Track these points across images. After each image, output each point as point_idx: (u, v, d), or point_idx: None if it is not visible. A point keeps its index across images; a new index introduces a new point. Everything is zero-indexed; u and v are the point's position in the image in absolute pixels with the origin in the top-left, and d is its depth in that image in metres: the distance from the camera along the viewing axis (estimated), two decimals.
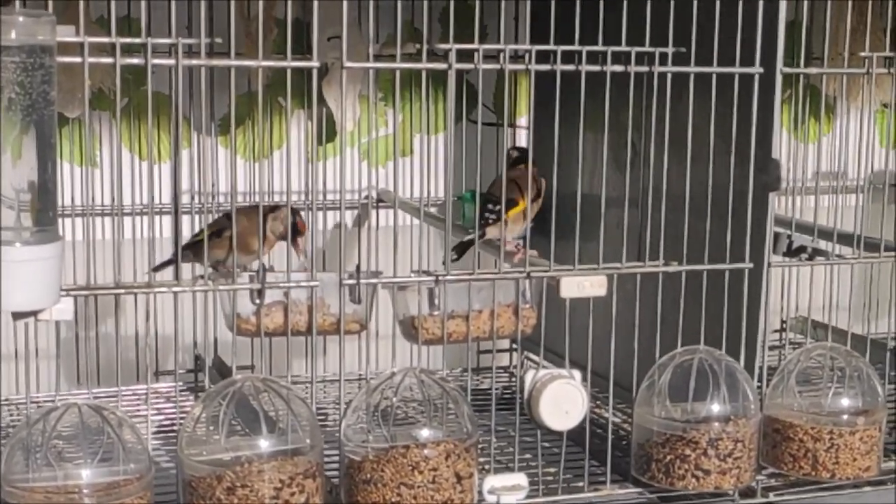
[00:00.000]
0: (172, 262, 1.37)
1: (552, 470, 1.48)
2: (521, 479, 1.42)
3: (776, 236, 1.51)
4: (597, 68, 1.39)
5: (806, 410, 1.49)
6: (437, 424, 1.34)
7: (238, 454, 1.27)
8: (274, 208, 1.58)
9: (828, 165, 2.12)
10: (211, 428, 1.28)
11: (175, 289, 1.31)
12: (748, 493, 1.48)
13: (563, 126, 1.41)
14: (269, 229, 1.55)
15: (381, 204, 1.97)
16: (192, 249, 1.50)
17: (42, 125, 1.16)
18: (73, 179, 1.78)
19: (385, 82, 1.98)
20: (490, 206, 1.56)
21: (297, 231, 1.56)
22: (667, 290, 1.47)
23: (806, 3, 1.52)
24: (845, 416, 1.49)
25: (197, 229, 1.74)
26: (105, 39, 1.25)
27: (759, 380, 1.49)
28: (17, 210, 1.16)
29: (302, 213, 1.61)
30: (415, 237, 1.69)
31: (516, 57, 1.43)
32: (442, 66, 1.35)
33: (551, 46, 1.38)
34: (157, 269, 1.34)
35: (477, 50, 1.35)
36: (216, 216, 1.75)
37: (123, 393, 1.65)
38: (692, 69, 1.42)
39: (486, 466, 1.43)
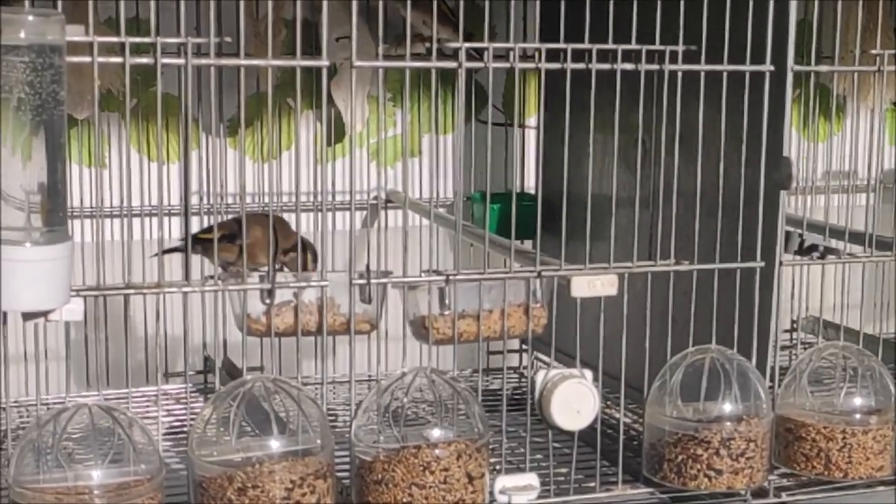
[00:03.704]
0: (181, 249, 1.36)
1: (563, 470, 1.47)
2: (532, 479, 1.41)
3: (787, 235, 1.50)
4: (607, 66, 1.39)
5: (818, 410, 1.49)
6: (448, 425, 1.33)
7: (249, 455, 1.27)
8: (287, 251, 1.56)
9: (838, 164, 2.12)
10: (221, 429, 1.28)
11: (185, 289, 1.31)
12: (760, 493, 1.47)
13: (572, 125, 1.41)
14: (284, 263, 1.55)
15: (390, 204, 1.97)
16: (202, 245, 1.50)
17: (52, 125, 1.16)
18: (83, 181, 1.78)
19: (394, 83, 1.97)
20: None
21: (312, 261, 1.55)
22: (678, 289, 1.46)
23: (816, 1, 1.51)
24: (858, 416, 1.48)
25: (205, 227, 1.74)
26: (114, 39, 1.25)
27: (771, 379, 1.49)
28: (27, 211, 1.16)
29: (313, 254, 1.59)
30: (425, 237, 1.68)
31: (526, 56, 1.42)
32: (452, 64, 1.35)
33: (561, 45, 1.37)
34: (166, 251, 1.34)
35: (487, 49, 1.35)
36: (225, 217, 1.75)
37: (133, 394, 1.65)
38: (703, 67, 1.42)
39: (498, 467, 1.43)
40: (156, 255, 1.31)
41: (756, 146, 1.44)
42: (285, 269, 1.56)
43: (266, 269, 1.40)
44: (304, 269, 1.54)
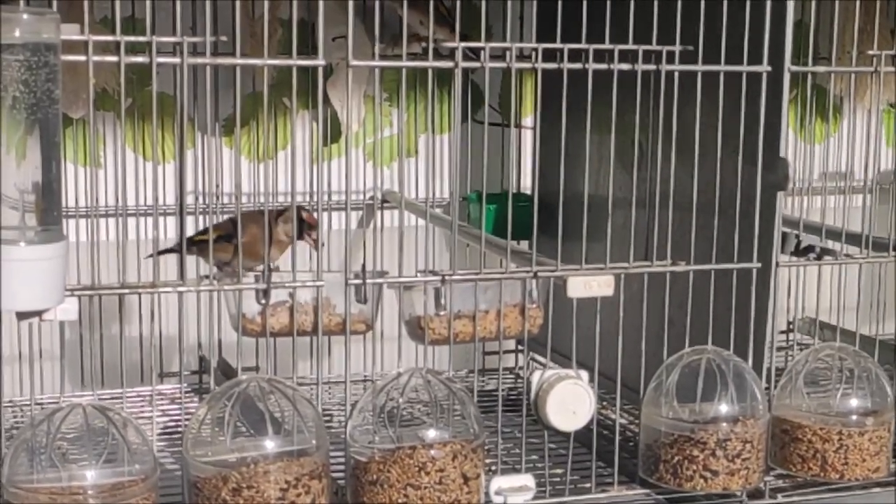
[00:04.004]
0: (176, 250, 1.36)
1: (559, 471, 1.47)
2: (528, 480, 1.41)
3: (784, 236, 1.50)
4: (604, 67, 1.38)
5: (814, 411, 1.49)
6: (443, 425, 1.33)
7: (244, 455, 1.26)
8: (281, 213, 1.58)
9: (835, 165, 2.12)
10: (216, 429, 1.28)
11: (180, 289, 1.30)
12: (756, 494, 1.47)
13: (569, 125, 1.40)
14: (283, 232, 1.55)
15: (386, 204, 1.97)
16: (198, 247, 1.49)
17: (46, 124, 1.15)
18: (77, 180, 1.78)
19: (390, 82, 1.97)
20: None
21: (307, 226, 1.55)
22: (674, 290, 1.46)
23: (813, 1, 1.51)
24: (854, 417, 1.48)
25: (201, 230, 1.73)
26: (110, 38, 1.24)
27: (768, 380, 1.49)
28: (21, 210, 1.16)
29: (307, 210, 1.60)
30: (420, 237, 1.68)
31: (522, 56, 1.42)
32: (448, 64, 1.35)
33: (558, 45, 1.37)
34: (161, 252, 1.33)
35: (483, 48, 1.35)
36: (220, 217, 1.75)
37: (128, 394, 1.65)
38: (700, 67, 1.42)
39: (493, 467, 1.42)
40: (150, 256, 1.31)
41: (753, 147, 1.44)
42: (284, 237, 1.55)
43: (261, 267, 1.39)
44: (302, 220, 1.53)
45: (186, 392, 1.74)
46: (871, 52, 1.51)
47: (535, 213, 1.43)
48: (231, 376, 1.39)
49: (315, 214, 1.59)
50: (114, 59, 1.24)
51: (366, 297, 1.38)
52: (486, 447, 1.36)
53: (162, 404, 1.72)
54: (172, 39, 1.25)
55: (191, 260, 1.43)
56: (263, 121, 1.88)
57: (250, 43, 1.82)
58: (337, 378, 1.82)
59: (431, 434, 1.32)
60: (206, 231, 1.55)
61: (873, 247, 1.55)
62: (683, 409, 1.43)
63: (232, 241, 1.50)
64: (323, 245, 1.55)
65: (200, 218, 1.70)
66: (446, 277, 1.39)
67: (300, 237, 1.52)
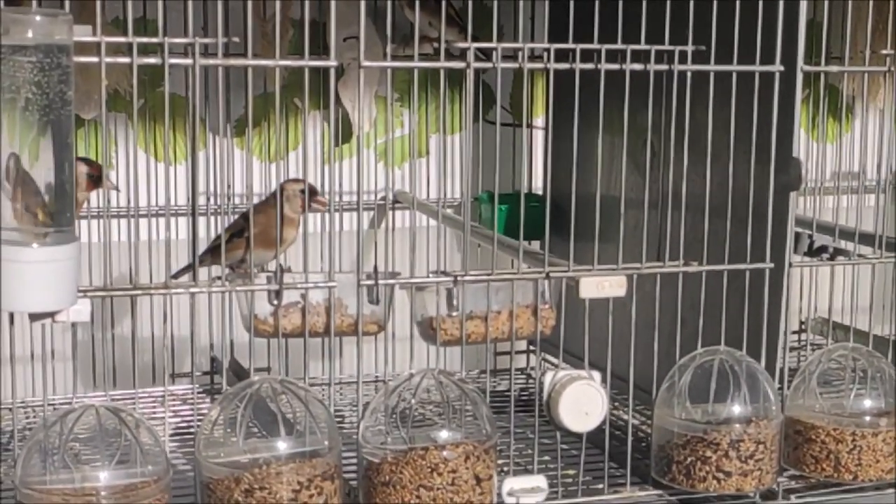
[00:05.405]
0: (190, 267, 1.36)
1: (571, 472, 1.47)
2: (540, 481, 1.41)
3: (797, 236, 1.50)
4: (616, 67, 1.38)
5: (828, 412, 1.48)
6: (455, 426, 1.33)
7: (256, 456, 1.26)
8: (281, 193, 1.57)
9: (848, 165, 2.12)
10: (228, 430, 1.28)
11: (192, 289, 1.30)
12: (769, 495, 1.47)
13: (581, 126, 1.40)
14: (290, 210, 1.54)
15: (398, 205, 1.97)
16: (212, 254, 1.49)
17: (59, 125, 1.15)
18: None
19: (401, 83, 1.97)
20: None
21: (312, 193, 1.54)
22: (686, 290, 1.45)
23: (826, 1, 1.51)
24: (868, 418, 1.47)
25: (213, 230, 1.74)
26: (122, 39, 1.24)
27: (780, 381, 1.48)
28: (34, 211, 1.16)
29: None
30: (432, 238, 1.68)
31: (534, 56, 1.42)
32: (460, 65, 1.34)
33: (570, 45, 1.37)
34: (175, 276, 1.33)
35: (495, 49, 1.34)
36: (232, 218, 1.75)
37: (140, 395, 1.65)
38: (712, 67, 1.41)
39: (506, 468, 1.42)
40: (166, 281, 1.31)
41: (765, 147, 1.43)
42: (293, 214, 1.55)
43: (274, 266, 1.40)
44: (305, 191, 1.52)
45: (198, 393, 1.74)
46: (884, 52, 1.51)
47: (546, 213, 1.43)
48: (243, 377, 1.39)
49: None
50: (126, 60, 1.24)
51: (378, 298, 1.38)
52: (498, 448, 1.36)
53: (174, 405, 1.72)
54: (184, 41, 1.26)
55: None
56: (275, 121, 1.88)
57: (262, 44, 1.82)
58: (349, 379, 1.82)
59: (444, 435, 1.32)
60: (218, 238, 1.55)
61: (886, 247, 1.55)
62: (696, 410, 1.43)
63: (244, 234, 1.50)
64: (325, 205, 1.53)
65: (212, 219, 1.70)
66: (458, 278, 1.39)
67: (309, 206, 1.51)
